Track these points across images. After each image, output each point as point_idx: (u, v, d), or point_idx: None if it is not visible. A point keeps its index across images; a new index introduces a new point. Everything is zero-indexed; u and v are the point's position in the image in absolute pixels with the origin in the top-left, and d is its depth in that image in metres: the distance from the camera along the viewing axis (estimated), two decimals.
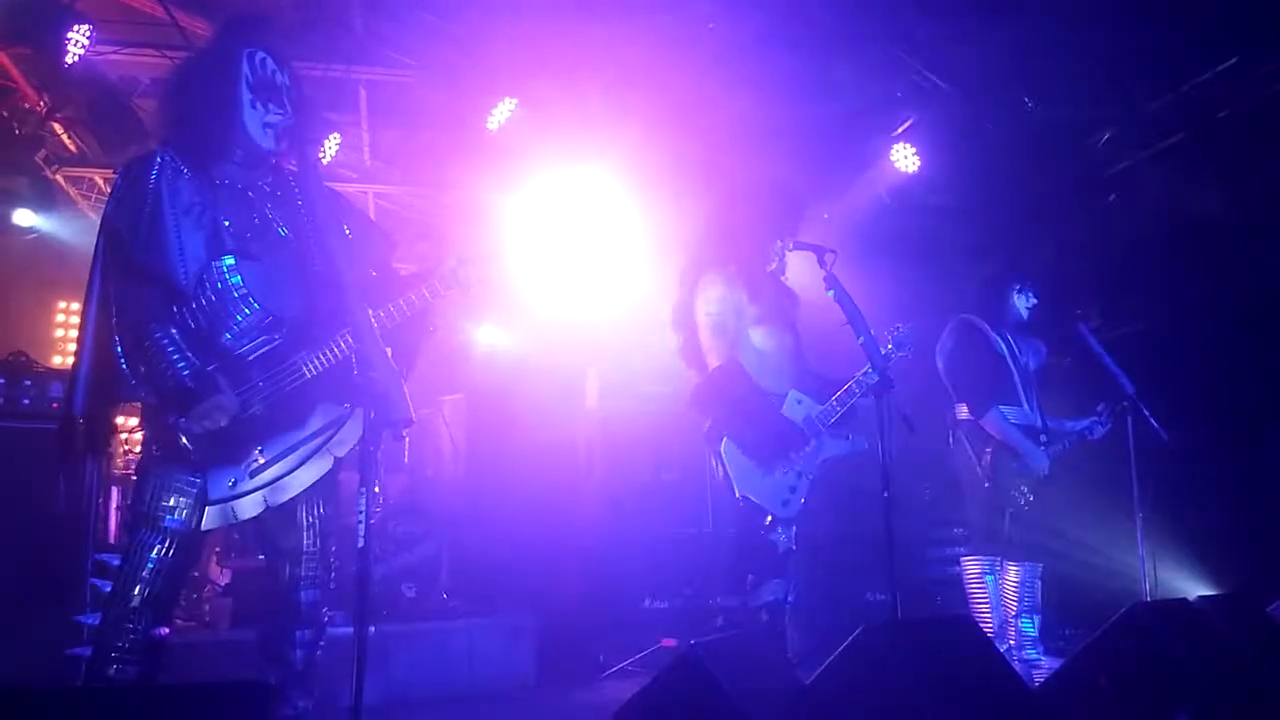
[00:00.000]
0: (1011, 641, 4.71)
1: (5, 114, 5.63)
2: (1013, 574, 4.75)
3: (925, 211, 7.51)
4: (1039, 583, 4.77)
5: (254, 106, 2.90)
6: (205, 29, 5.25)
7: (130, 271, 2.78)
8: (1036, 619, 4.73)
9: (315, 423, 2.89)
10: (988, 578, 4.76)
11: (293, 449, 2.86)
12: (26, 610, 4.29)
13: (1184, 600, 3.50)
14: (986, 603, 4.75)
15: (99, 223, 2.91)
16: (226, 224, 2.88)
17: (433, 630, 5.34)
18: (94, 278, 2.84)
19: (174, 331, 2.75)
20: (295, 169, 2.92)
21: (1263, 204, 5.84)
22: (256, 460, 2.82)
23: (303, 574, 2.97)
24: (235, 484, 2.80)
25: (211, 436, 2.73)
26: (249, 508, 2.82)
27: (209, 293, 2.80)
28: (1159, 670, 3.02)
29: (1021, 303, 5.00)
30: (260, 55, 2.92)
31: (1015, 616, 4.73)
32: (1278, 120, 5.58)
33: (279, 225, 2.97)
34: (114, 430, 2.95)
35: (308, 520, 2.98)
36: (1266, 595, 3.72)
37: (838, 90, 6.04)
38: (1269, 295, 5.72)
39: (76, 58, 4.97)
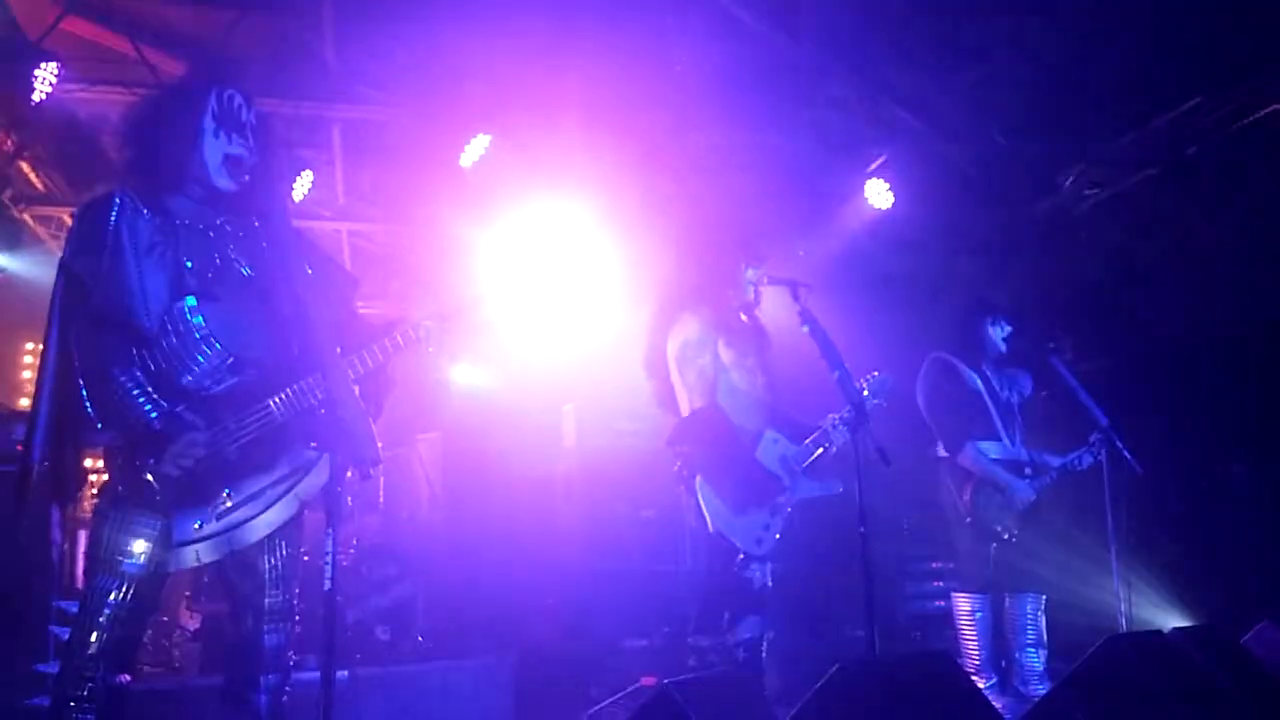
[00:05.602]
0: (1015, 682, 4.67)
1: None
2: (1012, 608, 4.72)
3: (900, 247, 7.57)
4: (1041, 615, 4.72)
5: (216, 135, 2.85)
6: (175, 67, 5.24)
7: (91, 317, 2.72)
8: (1042, 653, 4.67)
9: (283, 466, 2.85)
10: (977, 614, 4.72)
11: (260, 492, 2.81)
12: None
13: (1159, 632, 3.49)
14: (975, 640, 4.72)
15: (57, 266, 2.84)
16: (188, 264, 2.83)
17: (408, 673, 5.26)
18: (53, 322, 2.77)
19: (138, 374, 2.71)
20: (260, 208, 2.89)
21: (1231, 239, 5.91)
22: (224, 503, 2.77)
23: (266, 617, 2.91)
24: (201, 526, 2.75)
25: (180, 478, 2.68)
26: (214, 550, 2.77)
27: (171, 336, 2.76)
28: (1135, 703, 3.01)
29: (996, 334, 4.99)
30: (229, 92, 2.90)
31: (1019, 651, 4.69)
32: (1243, 157, 5.67)
33: (241, 265, 2.92)
34: (83, 476, 2.90)
35: (270, 563, 2.92)
36: (1239, 626, 3.72)
37: (811, 127, 6.11)
38: (1236, 328, 5.77)
39: (44, 96, 4.94)
